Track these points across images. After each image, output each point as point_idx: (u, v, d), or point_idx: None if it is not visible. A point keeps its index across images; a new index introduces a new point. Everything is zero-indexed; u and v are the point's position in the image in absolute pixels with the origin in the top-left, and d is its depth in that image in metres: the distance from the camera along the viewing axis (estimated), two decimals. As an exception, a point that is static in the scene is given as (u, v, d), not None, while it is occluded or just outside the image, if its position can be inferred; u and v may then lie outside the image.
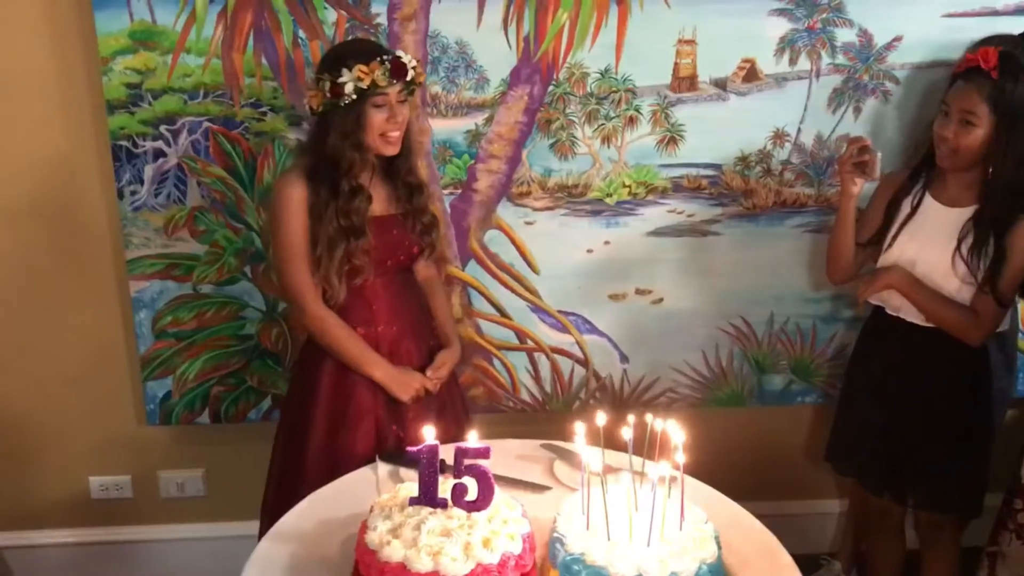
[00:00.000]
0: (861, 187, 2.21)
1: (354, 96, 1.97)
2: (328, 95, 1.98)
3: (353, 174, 2.03)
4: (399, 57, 2.00)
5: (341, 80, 1.96)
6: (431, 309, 2.29)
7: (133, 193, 2.37)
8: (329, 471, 2.03)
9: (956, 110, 2.08)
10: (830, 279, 2.39)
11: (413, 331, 2.20)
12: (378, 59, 1.97)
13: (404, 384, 2.14)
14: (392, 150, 2.07)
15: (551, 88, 2.36)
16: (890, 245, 2.22)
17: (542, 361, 2.59)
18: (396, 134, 2.04)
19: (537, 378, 2.61)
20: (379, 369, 2.12)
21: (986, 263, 2.09)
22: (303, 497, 1.88)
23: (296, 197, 2.04)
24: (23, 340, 2.51)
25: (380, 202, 2.12)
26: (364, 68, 1.96)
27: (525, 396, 2.62)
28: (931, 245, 2.15)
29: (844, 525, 2.74)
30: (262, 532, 2.06)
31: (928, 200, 2.20)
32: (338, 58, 1.99)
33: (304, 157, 2.10)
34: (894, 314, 2.25)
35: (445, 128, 2.37)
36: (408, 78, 2.00)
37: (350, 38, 2.27)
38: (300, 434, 2.16)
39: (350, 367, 2.12)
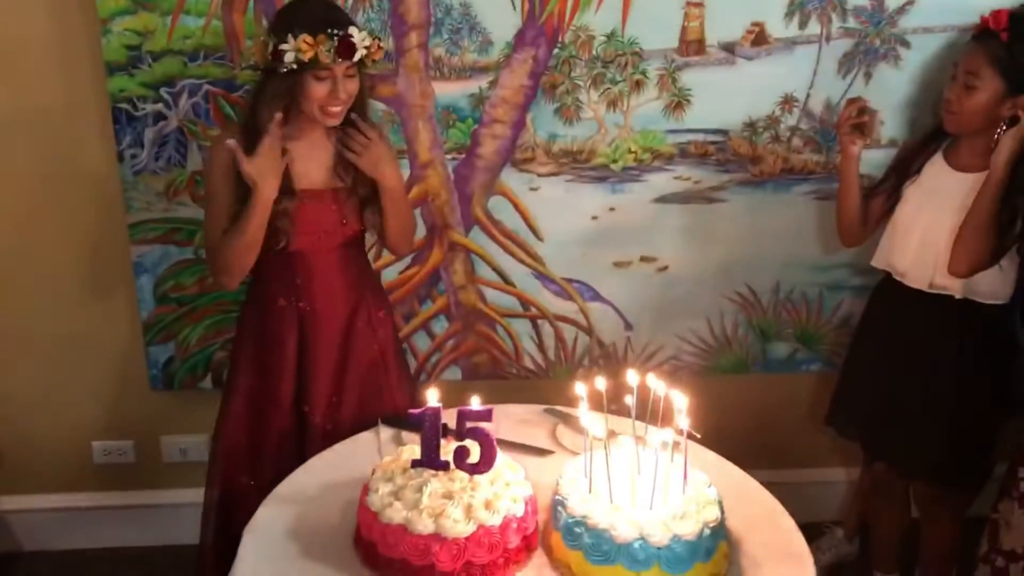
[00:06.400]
0: (861, 148, 2.17)
1: (294, 66, 1.84)
2: (270, 57, 1.86)
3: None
4: (350, 35, 1.85)
5: (283, 47, 1.83)
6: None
7: (134, 157, 2.34)
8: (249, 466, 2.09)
9: (961, 72, 2.07)
10: (843, 243, 2.37)
11: (344, 313, 2.09)
12: (326, 32, 1.83)
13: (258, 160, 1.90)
14: (333, 121, 1.95)
15: (556, 51, 2.32)
16: (896, 201, 2.20)
17: (546, 328, 2.58)
18: (338, 109, 1.93)
19: (540, 345, 2.59)
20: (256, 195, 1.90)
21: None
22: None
23: (220, 159, 1.95)
24: (25, 305, 2.49)
25: (319, 171, 2.02)
26: (309, 40, 1.82)
27: (528, 363, 2.60)
28: (940, 209, 2.12)
29: (851, 492, 2.73)
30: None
31: (940, 164, 2.17)
32: (287, 21, 1.87)
33: (243, 114, 2.01)
34: (900, 280, 2.22)
35: (448, 91, 2.33)
36: (355, 58, 1.88)
37: None
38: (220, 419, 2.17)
39: (254, 236, 1.93)
